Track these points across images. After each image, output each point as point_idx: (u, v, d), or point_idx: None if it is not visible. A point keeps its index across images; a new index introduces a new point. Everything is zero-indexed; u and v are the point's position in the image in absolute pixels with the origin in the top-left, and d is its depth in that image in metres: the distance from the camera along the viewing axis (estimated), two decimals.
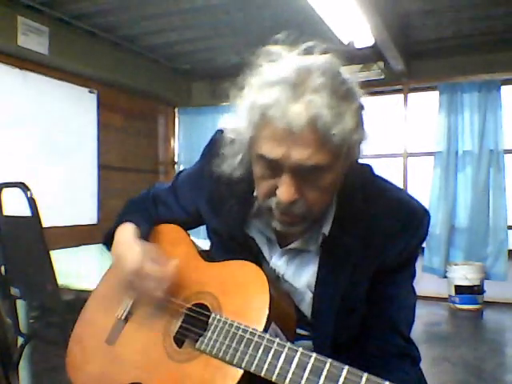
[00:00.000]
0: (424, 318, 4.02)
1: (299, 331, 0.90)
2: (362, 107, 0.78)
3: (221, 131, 0.90)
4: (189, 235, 1.06)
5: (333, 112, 0.71)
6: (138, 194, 1.16)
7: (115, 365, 0.95)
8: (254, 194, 0.89)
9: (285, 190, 0.76)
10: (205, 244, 1.06)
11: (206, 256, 0.99)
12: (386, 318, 0.88)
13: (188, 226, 1.07)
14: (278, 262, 0.92)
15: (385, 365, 0.83)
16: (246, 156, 0.84)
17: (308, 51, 0.79)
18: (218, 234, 0.99)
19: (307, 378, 0.70)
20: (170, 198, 1.08)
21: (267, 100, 0.73)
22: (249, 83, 0.79)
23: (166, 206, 1.09)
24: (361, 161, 0.84)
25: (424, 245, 4.61)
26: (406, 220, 0.86)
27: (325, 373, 0.69)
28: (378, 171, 0.93)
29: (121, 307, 1.01)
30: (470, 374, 2.79)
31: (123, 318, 0.99)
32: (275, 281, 0.91)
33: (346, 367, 0.68)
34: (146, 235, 1.03)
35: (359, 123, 0.76)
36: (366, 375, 0.67)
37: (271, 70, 0.76)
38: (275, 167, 0.76)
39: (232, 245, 0.94)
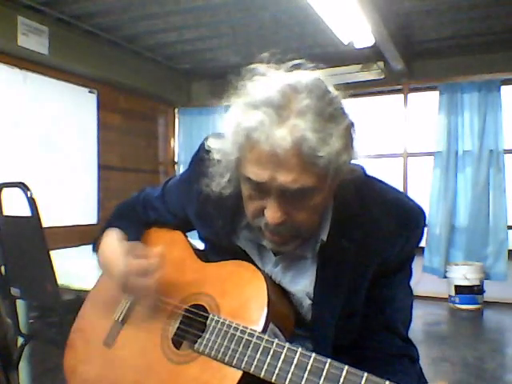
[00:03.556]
0: (424, 318, 4.02)
1: (299, 332, 0.89)
2: (351, 125, 0.76)
3: (207, 149, 0.88)
4: (186, 236, 1.06)
5: (318, 135, 0.70)
6: (129, 198, 1.16)
7: (113, 367, 0.94)
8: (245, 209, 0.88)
9: (271, 213, 0.76)
10: (202, 245, 1.06)
11: (203, 256, 0.99)
12: (384, 320, 0.88)
13: (180, 230, 1.07)
14: (274, 269, 0.91)
15: (384, 365, 0.83)
16: (234, 175, 0.83)
17: (295, 69, 0.78)
18: (209, 241, 1.00)
19: (307, 379, 0.70)
20: (160, 204, 1.09)
21: (251, 123, 0.72)
22: (234, 103, 0.78)
23: (157, 211, 1.09)
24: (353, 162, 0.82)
25: (424, 245, 4.62)
26: (403, 220, 0.86)
27: (324, 373, 0.69)
28: (372, 171, 0.92)
29: (118, 309, 1.00)
30: (469, 374, 2.79)
31: (120, 320, 0.99)
32: (273, 282, 0.90)
33: (346, 367, 0.68)
34: (134, 240, 1.04)
35: (348, 143, 0.75)
36: (365, 375, 0.67)
37: (256, 91, 0.75)
38: (262, 190, 0.76)
39: (223, 252, 0.94)
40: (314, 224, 0.82)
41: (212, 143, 0.84)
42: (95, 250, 1.07)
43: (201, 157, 0.94)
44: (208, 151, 0.85)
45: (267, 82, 0.76)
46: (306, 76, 0.76)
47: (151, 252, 0.91)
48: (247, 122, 0.73)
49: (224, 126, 0.79)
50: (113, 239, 1.01)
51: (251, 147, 0.73)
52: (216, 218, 0.93)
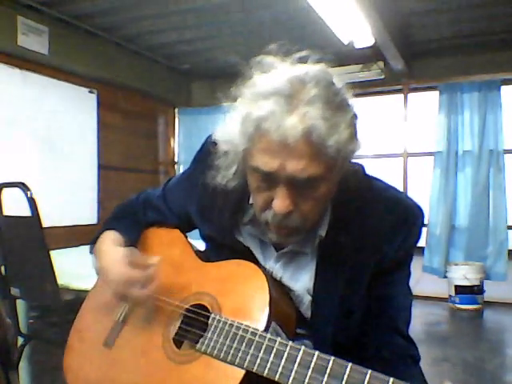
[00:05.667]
0: (424, 318, 4.02)
1: (299, 331, 0.89)
2: (355, 117, 0.77)
3: (213, 141, 0.88)
4: (186, 236, 1.06)
5: (327, 123, 0.71)
6: (127, 200, 1.16)
7: (114, 368, 0.94)
8: (250, 201, 0.88)
9: (280, 202, 0.76)
10: (202, 245, 1.06)
11: (203, 256, 0.99)
12: (386, 318, 0.88)
13: (180, 230, 1.07)
14: (275, 265, 0.92)
15: (386, 364, 0.83)
16: (241, 167, 0.83)
17: (301, 61, 0.79)
18: (210, 239, 1.00)
19: (311, 377, 0.70)
20: (161, 203, 1.08)
21: (262, 112, 0.72)
22: (242, 94, 0.78)
23: (157, 211, 1.09)
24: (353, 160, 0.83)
25: (424, 245, 4.62)
26: (402, 218, 0.86)
27: (328, 370, 0.69)
28: (372, 171, 0.93)
29: (118, 309, 1.00)
30: (470, 374, 2.79)
31: (121, 320, 0.98)
32: (274, 280, 0.90)
33: (350, 364, 0.69)
34: (132, 242, 1.03)
35: (353, 133, 0.76)
36: (369, 372, 0.67)
37: (265, 82, 0.76)
38: (270, 179, 0.76)
39: (224, 250, 0.94)
40: (319, 215, 0.83)
41: (219, 135, 0.84)
42: (92, 251, 1.06)
43: (206, 150, 0.94)
44: (214, 144, 0.86)
45: (275, 73, 0.77)
46: (313, 67, 0.77)
47: (147, 261, 0.91)
48: (257, 112, 0.73)
49: (231, 117, 0.80)
50: (109, 244, 1.00)
51: (261, 137, 0.74)
52: (220, 211, 0.93)
